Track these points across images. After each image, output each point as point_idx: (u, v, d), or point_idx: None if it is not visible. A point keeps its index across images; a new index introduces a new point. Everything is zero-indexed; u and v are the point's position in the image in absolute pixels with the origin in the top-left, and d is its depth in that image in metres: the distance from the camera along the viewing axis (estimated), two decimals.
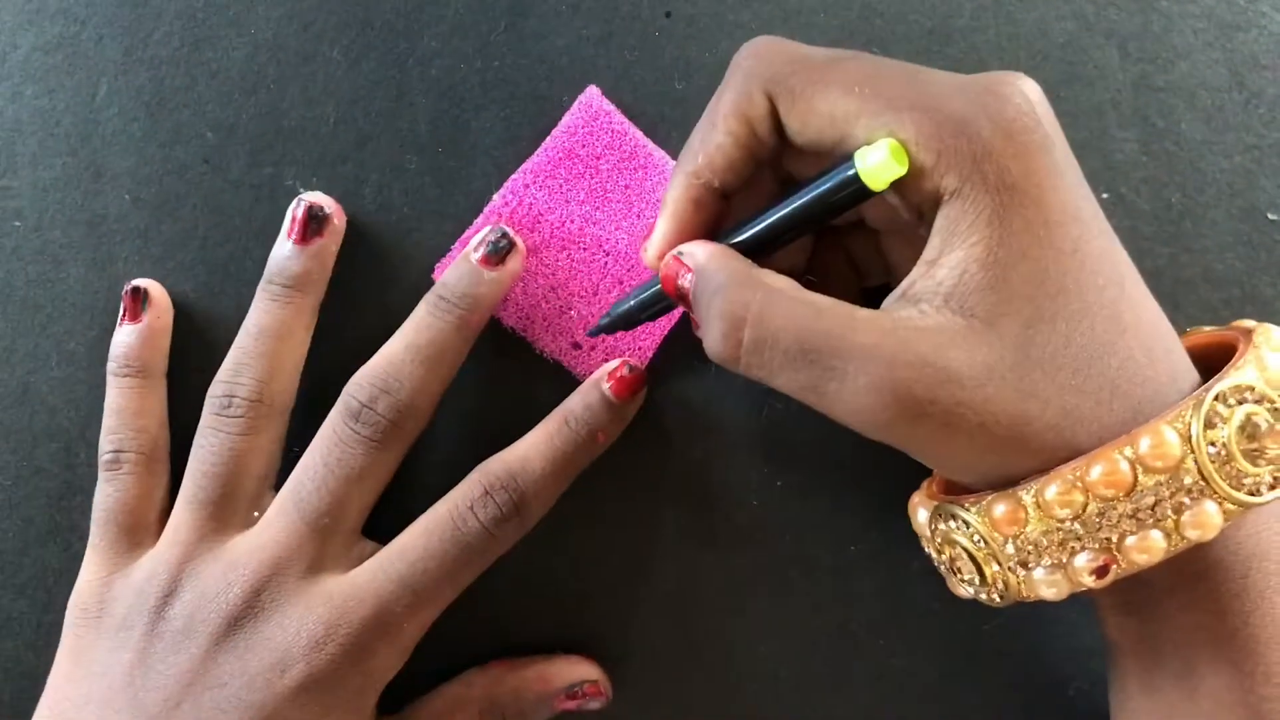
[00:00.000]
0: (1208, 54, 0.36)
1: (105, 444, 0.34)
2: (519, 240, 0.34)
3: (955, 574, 0.28)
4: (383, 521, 0.33)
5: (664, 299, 0.31)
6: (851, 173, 0.25)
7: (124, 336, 0.34)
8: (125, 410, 0.34)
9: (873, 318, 0.25)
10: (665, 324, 0.35)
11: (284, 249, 0.34)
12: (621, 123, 0.35)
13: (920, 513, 0.29)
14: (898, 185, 0.25)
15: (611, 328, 0.33)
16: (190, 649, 0.30)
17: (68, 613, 0.33)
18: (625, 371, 0.33)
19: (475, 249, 0.33)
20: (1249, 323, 0.28)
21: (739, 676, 0.35)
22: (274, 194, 0.36)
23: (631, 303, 0.32)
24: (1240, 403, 0.24)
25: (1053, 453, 0.24)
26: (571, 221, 0.35)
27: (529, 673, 0.34)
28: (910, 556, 0.35)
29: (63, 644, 0.33)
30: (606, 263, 0.35)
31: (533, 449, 0.33)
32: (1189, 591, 0.26)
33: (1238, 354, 0.25)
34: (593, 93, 0.35)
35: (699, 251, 0.28)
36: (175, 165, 0.36)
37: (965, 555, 0.27)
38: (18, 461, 0.36)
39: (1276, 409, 0.24)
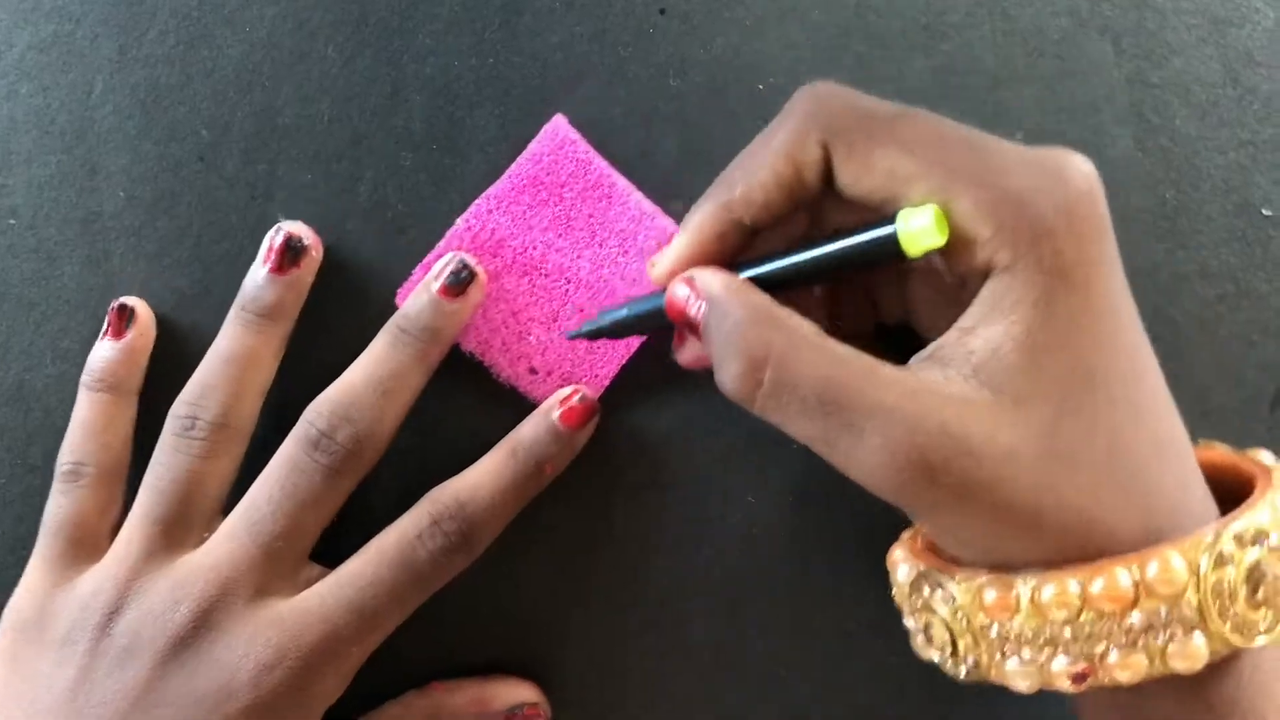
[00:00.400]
0: (1202, 50, 0.36)
1: (66, 454, 0.33)
2: (479, 270, 0.34)
3: (927, 640, 0.27)
4: (329, 543, 0.33)
5: (661, 318, 0.29)
6: (890, 232, 0.24)
7: (104, 351, 0.34)
8: (93, 424, 0.34)
9: (897, 376, 0.25)
10: (625, 351, 0.35)
11: (259, 276, 0.33)
12: (587, 152, 0.35)
13: (902, 569, 0.28)
14: (947, 250, 0.25)
15: (598, 334, 0.32)
16: (135, 668, 0.30)
17: (4, 619, 0.32)
18: (576, 400, 0.33)
19: (435, 279, 0.33)
20: (1266, 456, 0.27)
21: (735, 674, 0.35)
22: (269, 191, 0.36)
23: (624, 313, 0.31)
24: (1254, 544, 0.24)
25: (1060, 549, 0.24)
26: (534, 248, 0.35)
27: (467, 694, 0.34)
28: None
29: (0, 651, 0.32)
30: (568, 290, 0.35)
31: (481, 479, 0.32)
32: (1174, 695, 0.25)
33: (1257, 491, 0.25)
34: (559, 121, 0.35)
35: (714, 281, 0.27)
36: (170, 163, 0.36)
37: (942, 626, 0.26)
38: (12, 459, 0.36)
39: None
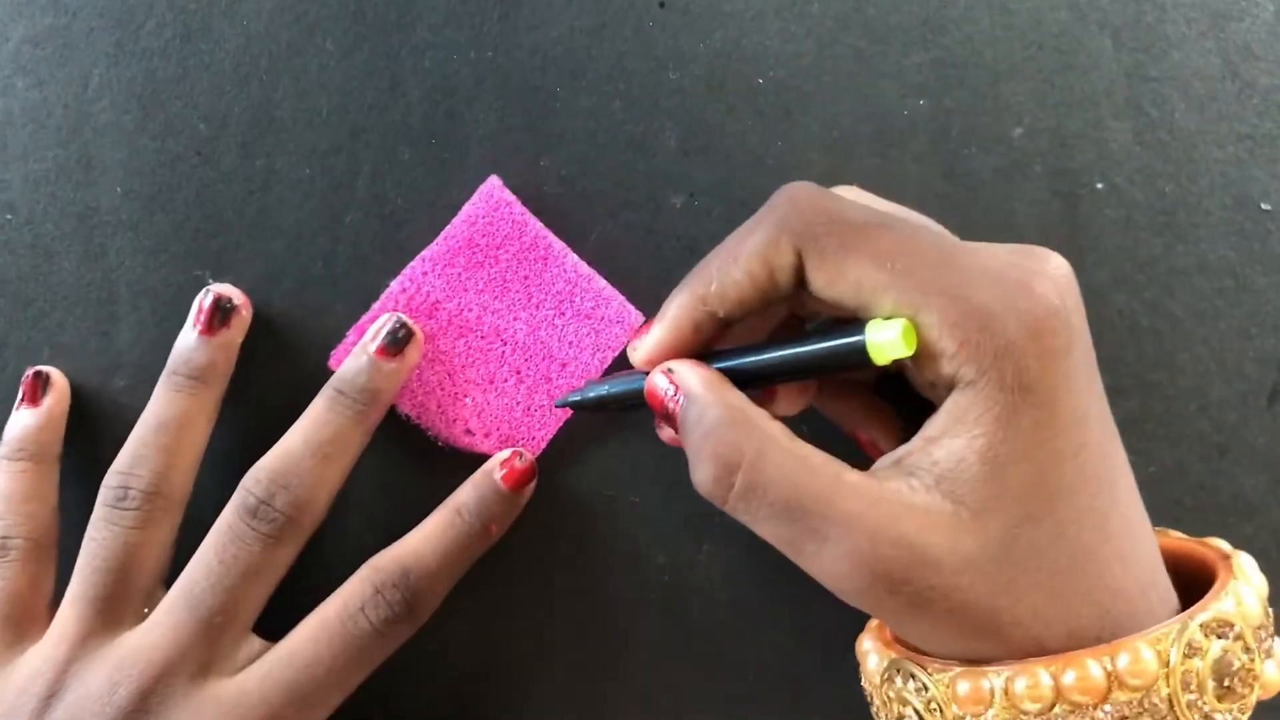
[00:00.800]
0: (1201, 44, 0.36)
1: None
2: (417, 329, 0.34)
3: None
4: (269, 611, 0.32)
5: (640, 399, 0.30)
6: (859, 341, 0.25)
7: (22, 420, 0.34)
8: (15, 495, 0.33)
9: (861, 484, 0.25)
10: (562, 413, 0.35)
11: (189, 339, 0.33)
12: (522, 213, 0.35)
13: (872, 659, 0.28)
14: (915, 360, 0.25)
15: (580, 407, 0.33)
16: None
17: None
18: (517, 461, 0.33)
19: (372, 340, 0.33)
20: (1223, 545, 0.27)
21: (733, 669, 0.35)
22: (266, 186, 0.35)
23: (606, 390, 0.32)
24: (1219, 636, 0.24)
25: (1019, 646, 0.25)
26: (469, 310, 0.35)
27: None
28: None
29: None
30: (504, 352, 0.35)
31: (424, 543, 0.32)
32: None
33: (1219, 582, 0.25)
34: (494, 183, 0.35)
35: (691, 376, 0.28)
36: (167, 157, 0.36)
37: (916, 716, 0.26)
38: None
39: (1249, 648, 0.24)
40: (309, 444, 0.32)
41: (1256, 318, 0.35)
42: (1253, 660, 0.24)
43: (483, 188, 0.35)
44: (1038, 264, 0.25)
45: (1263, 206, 0.35)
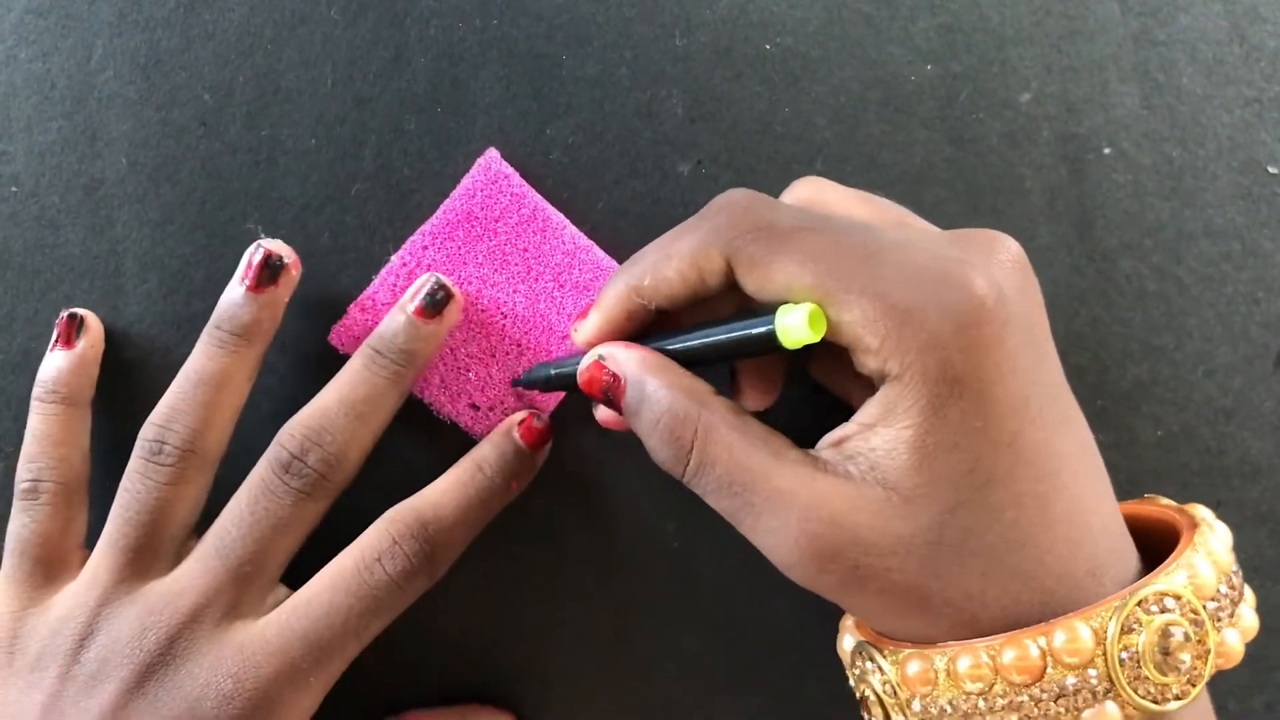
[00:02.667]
0: (1208, 7, 0.36)
1: (23, 471, 0.33)
2: (456, 290, 0.34)
3: (867, 711, 0.28)
4: (301, 563, 0.33)
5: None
6: (769, 328, 0.26)
7: (55, 362, 0.34)
8: (47, 438, 0.33)
9: (798, 463, 0.26)
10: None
11: (235, 294, 0.33)
12: (520, 185, 0.35)
13: (846, 639, 0.29)
14: (849, 351, 0.26)
15: (531, 386, 0.33)
16: (102, 696, 0.30)
17: None
18: (535, 421, 0.34)
19: (411, 300, 0.33)
20: (1199, 512, 0.27)
21: (742, 635, 0.36)
22: (272, 157, 0.35)
23: (552, 371, 0.32)
24: (1162, 611, 0.24)
25: (953, 626, 0.25)
26: (469, 283, 0.35)
27: None
28: None
29: None
30: (504, 325, 0.35)
31: (444, 496, 0.32)
32: None
33: (1174, 554, 0.25)
34: (491, 155, 0.35)
35: (630, 359, 0.29)
36: (172, 128, 0.35)
37: (875, 699, 0.27)
38: (18, 428, 0.36)
39: (1198, 619, 0.24)
40: (344, 402, 0.32)
41: (1263, 282, 0.35)
42: (1203, 632, 0.24)
43: (480, 160, 0.35)
44: (975, 253, 0.26)
45: (1270, 170, 0.35)
